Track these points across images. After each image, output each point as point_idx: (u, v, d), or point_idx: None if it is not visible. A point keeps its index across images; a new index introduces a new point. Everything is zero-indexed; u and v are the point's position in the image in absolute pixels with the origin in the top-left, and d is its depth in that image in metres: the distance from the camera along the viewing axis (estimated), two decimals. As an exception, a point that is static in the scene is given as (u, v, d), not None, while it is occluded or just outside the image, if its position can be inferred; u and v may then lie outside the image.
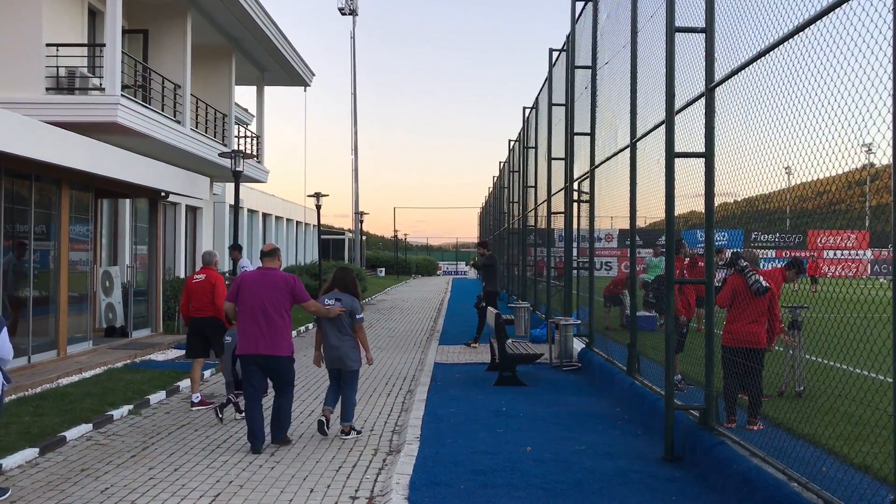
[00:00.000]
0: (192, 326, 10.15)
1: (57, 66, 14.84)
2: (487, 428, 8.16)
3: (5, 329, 6.10)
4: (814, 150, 4.89)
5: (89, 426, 8.33)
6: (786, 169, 5.53)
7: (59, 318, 12.51)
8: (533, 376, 11.48)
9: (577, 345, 12.97)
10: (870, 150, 4.88)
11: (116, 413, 9.00)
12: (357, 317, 8.14)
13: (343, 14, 45.41)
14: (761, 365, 7.29)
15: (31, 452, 7.22)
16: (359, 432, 8.16)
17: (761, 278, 7.62)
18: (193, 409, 9.57)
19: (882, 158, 4.45)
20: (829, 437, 5.75)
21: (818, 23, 4.91)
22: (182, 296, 10.48)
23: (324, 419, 8.05)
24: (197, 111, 20.06)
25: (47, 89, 14.72)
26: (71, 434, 7.95)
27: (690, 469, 6.58)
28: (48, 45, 14.66)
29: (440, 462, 6.79)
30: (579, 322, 13.25)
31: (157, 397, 10.06)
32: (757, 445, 5.98)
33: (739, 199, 6.86)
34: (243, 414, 8.17)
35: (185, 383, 11.00)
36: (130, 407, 9.35)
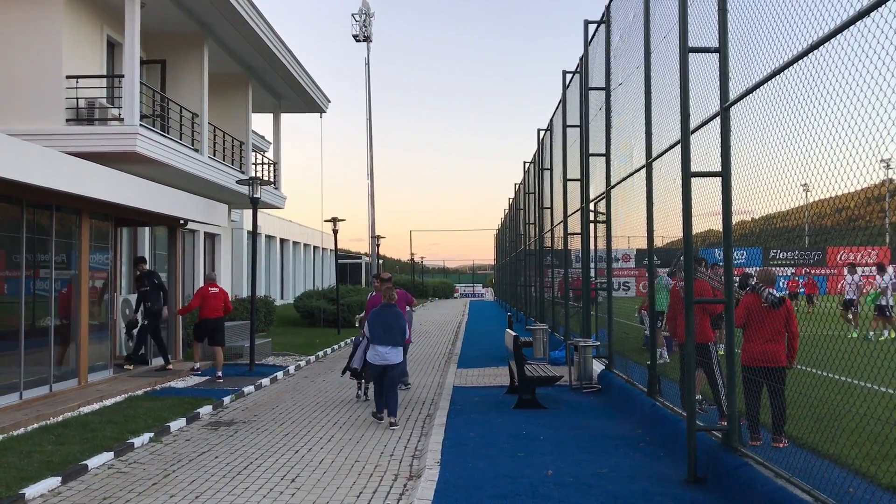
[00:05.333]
0: (204, 322, 14.62)
1: (77, 98, 15.08)
2: (508, 452, 8.11)
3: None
4: (831, 167, 4.86)
5: (111, 454, 8.35)
6: (803, 186, 5.50)
7: (80, 346, 12.60)
8: (553, 399, 11.41)
9: (597, 366, 12.88)
10: (888, 165, 4.85)
11: (137, 441, 9.02)
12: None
13: (357, 41, 45.81)
14: (782, 383, 7.23)
15: (53, 481, 7.23)
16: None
17: (773, 291, 7.60)
18: (193, 373, 14.56)
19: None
20: (855, 457, 5.67)
21: (832, 40, 4.90)
22: (195, 299, 14.90)
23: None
24: (214, 139, 20.29)
25: (67, 120, 14.95)
26: (93, 462, 7.97)
27: (714, 491, 6.49)
28: (68, 77, 14.91)
29: (461, 487, 6.75)
30: (598, 343, 13.18)
31: (177, 424, 10.08)
32: (782, 466, 5.90)
33: (757, 217, 6.83)
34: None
35: (205, 410, 11.04)
36: (151, 434, 9.38)
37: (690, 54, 7.17)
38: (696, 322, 7.63)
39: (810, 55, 5.22)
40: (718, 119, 6.80)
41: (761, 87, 6.04)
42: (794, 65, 5.46)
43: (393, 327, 10.18)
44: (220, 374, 14.19)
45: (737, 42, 6.58)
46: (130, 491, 7.11)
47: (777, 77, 5.76)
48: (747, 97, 6.31)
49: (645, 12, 9.43)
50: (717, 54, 6.81)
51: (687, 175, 7.15)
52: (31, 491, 6.90)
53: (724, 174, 6.75)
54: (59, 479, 7.32)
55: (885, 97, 4.29)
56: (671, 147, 8.22)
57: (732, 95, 6.60)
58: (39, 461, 7.87)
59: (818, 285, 20.92)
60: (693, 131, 7.27)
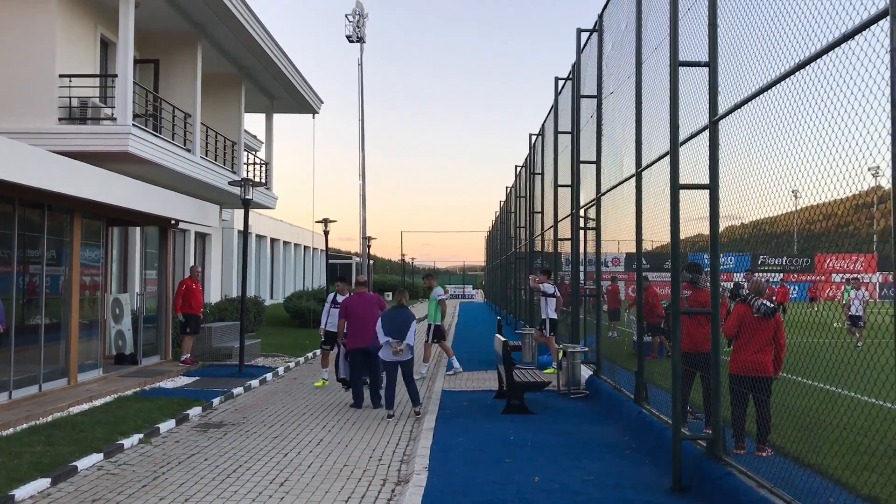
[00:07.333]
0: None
1: (70, 97, 15.08)
2: (496, 457, 8.17)
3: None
4: (820, 174, 4.93)
5: (100, 455, 8.38)
6: (793, 192, 5.58)
7: (70, 345, 12.60)
8: (541, 404, 11.48)
9: (585, 372, 12.97)
10: (877, 173, 4.94)
11: (127, 442, 9.05)
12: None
13: (351, 42, 45.62)
14: (768, 393, 7.31)
15: (42, 483, 7.26)
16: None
17: (766, 301, 7.69)
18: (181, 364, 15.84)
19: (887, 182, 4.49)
20: (836, 468, 5.76)
21: (821, 59, 4.99)
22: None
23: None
24: (207, 139, 20.30)
25: (60, 119, 14.95)
26: (82, 464, 7.99)
27: (698, 500, 6.57)
28: (61, 75, 14.90)
29: (449, 493, 6.81)
30: (587, 349, 13.26)
31: (166, 426, 10.11)
32: (765, 476, 5.99)
33: (746, 223, 6.90)
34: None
35: (194, 411, 11.07)
36: (141, 436, 9.40)
37: (681, 67, 7.25)
38: (700, 331, 7.75)
39: (799, 73, 5.30)
40: (707, 132, 6.88)
41: (751, 102, 6.12)
42: (783, 81, 5.54)
43: (403, 325, 11.14)
44: (182, 357, 16.23)
45: (726, 57, 6.66)
46: (120, 493, 7.14)
47: (766, 92, 5.84)
48: (736, 111, 6.38)
49: (637, 23, 9.52)
50: (707, 68, 6.89)
51: (675, 187, 7.22)
52: (20, 492, 6.92)
53: (712, 187, 6.83)
54: (49, 480, 7.34)
55: (869, 106, 4.38)
56: (660, 158, 8.31)
57: (721, 109, 6.68)
58: (29, 462, 7.90)
59: (790, 293, 21.12)
60: (682, 143, 7.34)
